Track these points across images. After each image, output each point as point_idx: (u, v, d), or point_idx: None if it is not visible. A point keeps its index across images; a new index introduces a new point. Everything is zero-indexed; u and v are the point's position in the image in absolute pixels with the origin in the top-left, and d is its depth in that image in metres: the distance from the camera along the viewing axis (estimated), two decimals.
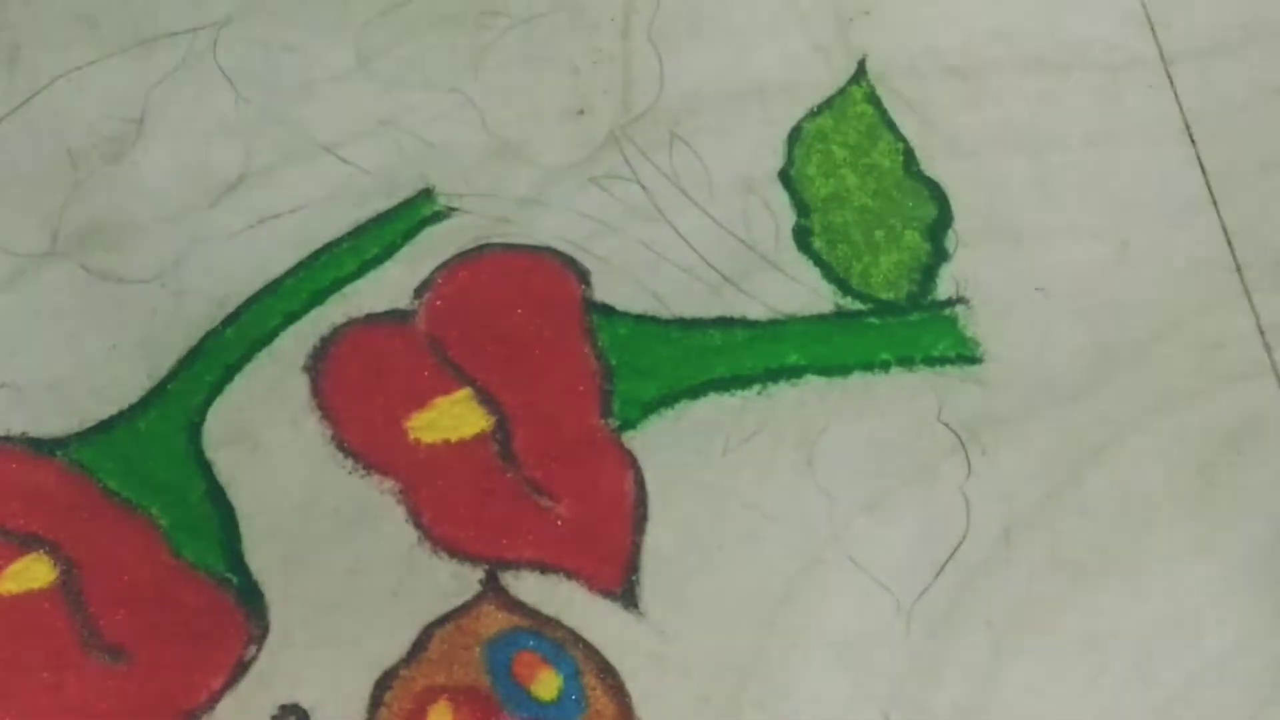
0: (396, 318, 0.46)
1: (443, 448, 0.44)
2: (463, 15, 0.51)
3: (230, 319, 0.45)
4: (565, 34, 0.50)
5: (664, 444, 0.44)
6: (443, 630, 0.42)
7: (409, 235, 0.47)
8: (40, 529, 0.43)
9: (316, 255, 0.46)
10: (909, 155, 0.48)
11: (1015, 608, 0.42)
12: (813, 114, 0.49)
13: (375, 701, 0.41)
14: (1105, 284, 0.46)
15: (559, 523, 0.43)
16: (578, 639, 0.42)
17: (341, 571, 0.43)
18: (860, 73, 0.50)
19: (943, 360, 0.45)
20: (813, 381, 0.45)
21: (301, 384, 0.45)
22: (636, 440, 0.44)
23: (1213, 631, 0.41)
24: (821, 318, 0.46)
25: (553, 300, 0.46)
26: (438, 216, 0.47)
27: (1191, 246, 0.47)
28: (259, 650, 0.42)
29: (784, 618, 0.42)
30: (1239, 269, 0.46)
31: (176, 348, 0.45)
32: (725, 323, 0.46)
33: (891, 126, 0.49)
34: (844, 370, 0.45)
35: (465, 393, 0.45)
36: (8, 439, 0.44)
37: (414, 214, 0.47)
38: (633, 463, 0.44)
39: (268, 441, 0.44)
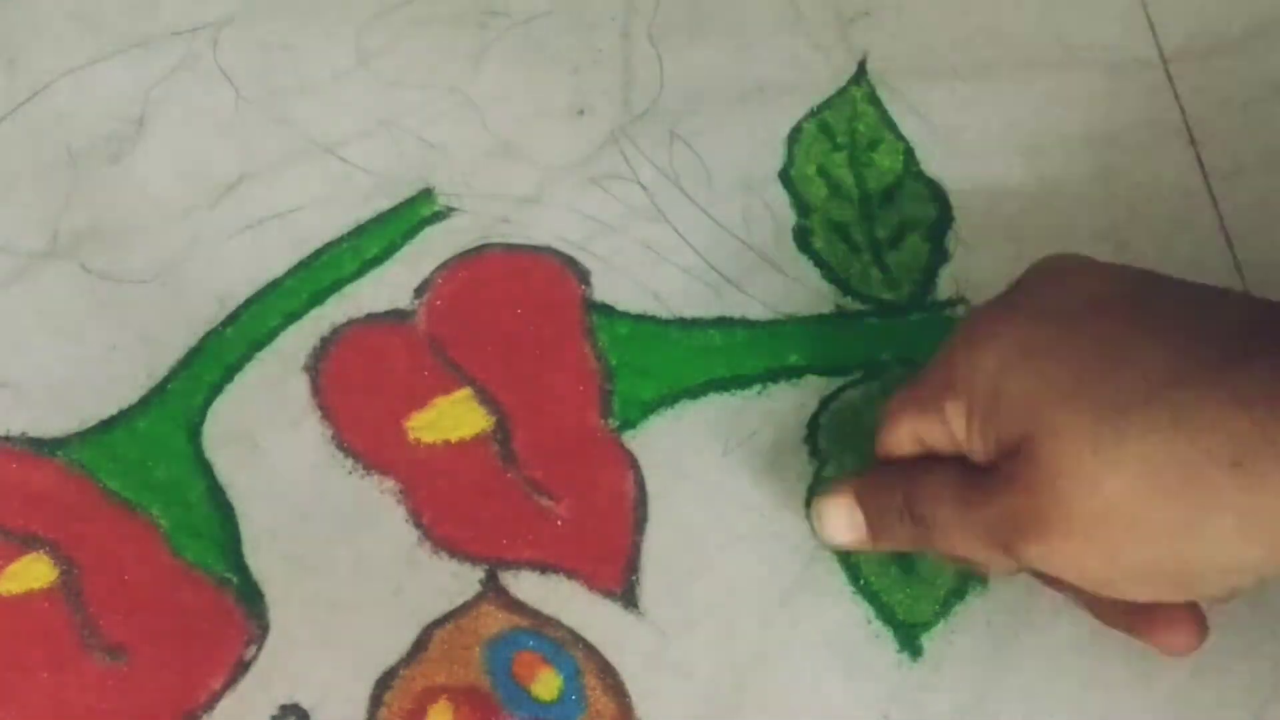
0: (396, 318, 0.46)
1: (443, 448, 0.44)
2: (463, 15, 0.51)
3: (230, 319, 0.45)
4: (565, 34, 0.50)
5: (664, 444, 0.44)
6: (443, 630, 0.42)
7: (409, 235, 0.47)
8: (40, 529, 0.43)
9: (316, 255, 0.46)
10: (909, 155, 0.48)
11: (1015, 608, 0.42)
12: (813, 114, 0.49)
13: (375, 701, 0.41)
14: None
15: (559, 523, 0.43)
16: (578, 639, 0.42)
17: (342, 572, 0.43)
18: (860, 73, 0.50)
19: None
20: (813, 382, 0.45)
21: (301, 384, 0.45)
22: (636, 440, 0.44)
23: (1213, 631, 0.41)
24: (821, 318, 0.46)
25: (553, 300, 0.46)
26: (438, 216, 0.47)
27: (1191, 246, 0.47)
28: (259, 650, 0.42)
29: (784, 618, 0.42)
30: (1239, 269, 0.46)
31: (176, 348, 0.45)
32: (725, 323, 0.46)
33: (892, 126, 0.49)
34: (844, 370, 0.45)
35: (465, 393, 0.45)
36: (8, 439, 0.44)
37: (414, 214, 0.47)
38: (633, 463, 0.44)
39: (268, 441, 0.44)
